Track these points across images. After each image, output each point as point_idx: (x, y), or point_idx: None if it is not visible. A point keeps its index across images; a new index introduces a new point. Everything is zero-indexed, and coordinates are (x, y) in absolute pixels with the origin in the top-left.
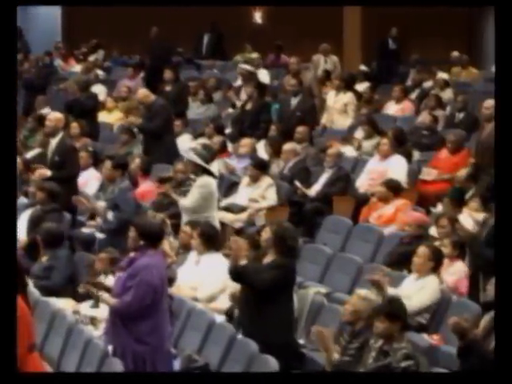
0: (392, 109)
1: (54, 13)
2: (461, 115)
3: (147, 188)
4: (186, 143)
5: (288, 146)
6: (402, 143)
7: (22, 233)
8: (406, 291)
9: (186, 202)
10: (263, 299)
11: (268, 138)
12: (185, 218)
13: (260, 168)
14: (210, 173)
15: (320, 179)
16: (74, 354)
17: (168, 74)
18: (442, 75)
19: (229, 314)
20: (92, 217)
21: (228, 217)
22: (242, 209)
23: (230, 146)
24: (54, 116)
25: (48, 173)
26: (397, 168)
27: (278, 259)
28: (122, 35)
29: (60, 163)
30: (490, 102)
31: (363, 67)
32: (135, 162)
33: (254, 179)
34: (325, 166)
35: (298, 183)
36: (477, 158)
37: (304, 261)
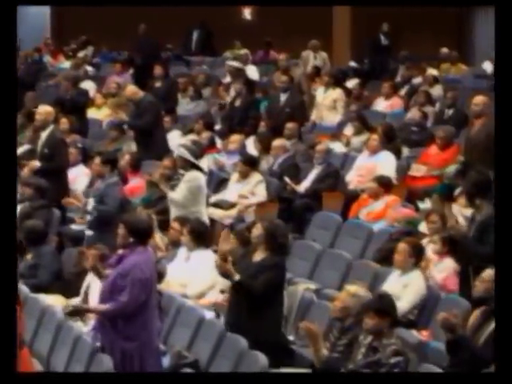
0: (381, 105)
1: (43, 9)
2: (450, 111)
3: (136, 184)
4: (175, 139)
5: (277, 143)
6: (391, 139)
7: None
8: (390, 288)
9: (175, 195)
10: (255, 300)
11: (257, 134)
12: (173, 214)
13: (249, 164)
14: (199, 168)
15: (309, 175)
16: (64, 350)
17: (158, 70)
18: (432, 71)
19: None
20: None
21: (217, 213)
22: (232, 205)
23: (219, 143)
24: (44, 109)
25: (37, 164)
26: (385, 164)
27: (268, 258)
28: (111, 31)
29: (49, 156)
30: (479, 99)
31: (353, 63)
32: (124, 159)
33: (244, 175)
34: (314, 162)
35: (287, 179)
36: (466, 155)
37: (293, 257)
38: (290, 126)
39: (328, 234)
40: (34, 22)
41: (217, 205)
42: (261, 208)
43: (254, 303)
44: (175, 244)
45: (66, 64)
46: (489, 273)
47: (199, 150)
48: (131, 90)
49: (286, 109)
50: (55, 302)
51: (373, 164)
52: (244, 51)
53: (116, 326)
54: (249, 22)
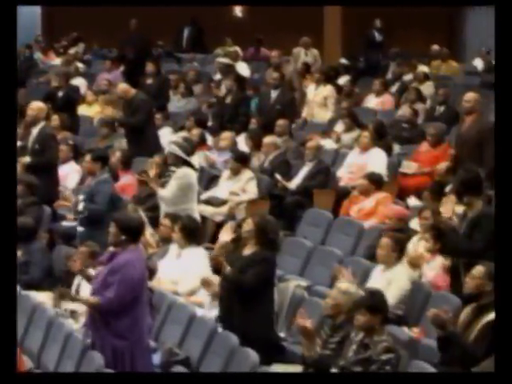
0: (372, 102)
1: (34, 6)
2: (441, 108)
3: (127, 181)
4: (166, 136)
5: (268, 140)
6: (382, 136)
7: None
8: (374, 285)
9: (164, 192)
10: (246, 294)
11: (248, 131)
12: (163, 211)
13: (240, 161)
14: (190, 165)
15: (300, 172)
16: (55, 347)
17: (150, 67)
18: (422, 68)
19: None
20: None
21: (208, 210)
22: (223, 202)
23: (210, 140)
24: (35, 105)
25: (27, 159)
26: (376, 161)
27: (258, 252)
28: (102, 28)
29: (40, 152)
30: (470, 96)
31: (343, 60)
32: (115, 156)
33: (235, 172)
34: (305, 159)
35: (278, 176)
36: (456, 151)
37: (284, 254)
38: (280, 123)
39: (319, 231)
40: (25, 19)
41: (208, 202)
42: (252, 205)
43: (244, 297)
44: (166, 241)
45: (57, 61)
46: (479, 269)
47: (190, 147)
48: (123, 88)
49: (276, 106)
50: (46, 299)
51: (364, 161)
52: (235, 48)
53: (107, 324)
54: (240, 19)
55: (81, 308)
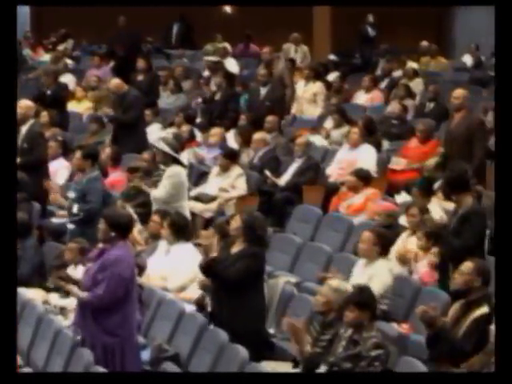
0: (361, 98)
1: None
2: (431, 105)
3: (117, 178)
4: (155, 133)
5: (258, 136)
6: (371, 132)
7: None
8: (356, 280)
9: (157, 193)
10: (235, 289)
11: (238, 127)
12: (155, 207)
13: (230, 157)
14: (179, 162)
15: (290, 169)
16: (44, 344)
17: (141, 64)
18: (412, 65)
19: (198, 304)
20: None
21: (198, 206)
22: (212, 198)
23: (199, 136)
24: (24, 104)
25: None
26: (366, 157)
27: (247, 248)
28: (91, 24)
29: (29, 150)
30: (458, 92)
31: (332, 57)
32: (105, 152)
33: (224, 169)
34: (294, 155)
35: (267, 172)
36: (446, 148)
37: (274, 250)
38: (270, 119)
39: (308, 227)
40: None
41: (197, 198)
42: (241, 201)
43: (232, 292)
44: (155, 237)
45: (46, 57)
46: (468, 265)
47: (179, 144)
48: (116, 83)
49: (266, 102)
50: (35, 295)
51: (353, 157)
52: (224, 44)
53: (97, 321)
54: (229, 15)
55: (70, 305)
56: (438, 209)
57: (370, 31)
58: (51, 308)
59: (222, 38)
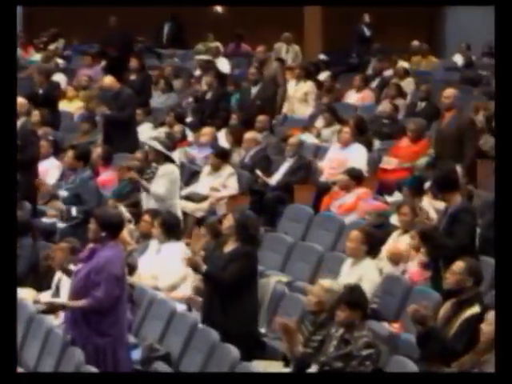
0: (352, 98)
1: None
2: (423, 104)
3: (108, 177)
4: (146, 132)
5: (249, 135)
6: (363, 131)
7: None
8: (344, 280)
9: (157, 189)
10: (228, 290)
11: (229, 126)
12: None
13: (221, 157)
14: (172, 160)
15: (281, 168)
16: (35, 343)
17: (133, 63)
18: (403, 64)
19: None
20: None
21: (189, 206)
22: (203, 198)
23: (190, 135)
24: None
25: None
26: (357, 157)
27: (239, 247)
28: (82, 24)
29: (21, 148)
30: (449, 91)
31: (322, 56)
32: (96, 151)
33: (215, 168)
34: (286, 154)
35: (258, 172)
36: (436, 147)
37: (265, 249)
38: (261, 118)
39: (300, 226)
40: None
41: (188, 198)
42: (232, 201)
43: (225, 294)
44: (146, 236)
45: (37, 57)
46: (459, 265)
47: (172, 143)
48: (110, 80)
49: (257, 101)
50: (27, 295)
51: (344, 157)
52: (216, 44)
53: (89, 322)
54: (220, 15)
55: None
56: (430, 208)
57: (366, 31)
58: (42, 307)
59: (213, 38)
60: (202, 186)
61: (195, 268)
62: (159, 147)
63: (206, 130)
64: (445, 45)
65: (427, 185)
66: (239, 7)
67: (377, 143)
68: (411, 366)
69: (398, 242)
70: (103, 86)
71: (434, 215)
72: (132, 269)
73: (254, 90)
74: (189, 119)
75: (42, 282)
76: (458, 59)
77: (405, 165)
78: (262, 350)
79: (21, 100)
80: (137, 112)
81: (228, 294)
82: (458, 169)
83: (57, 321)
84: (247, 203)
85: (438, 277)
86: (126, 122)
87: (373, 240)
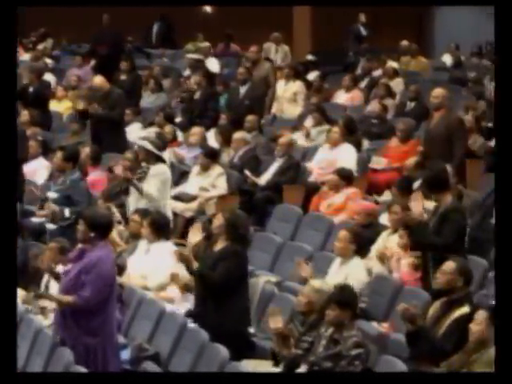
0: (341, 98)
1: None
2: (412, 104)
3: (97, 177)
4: (136, 132)
5: (238, 135)
6: (352, 132)
7: None
8: (332, 279)
9: (149, 189)
10: (218, 289)
11: (218, 126)
12: (133, 207)
13: (210, 157)
14: (162, 160)
15: (270, 168)
16: (24, 343)
17: (124, 64)
18: (392, 64)
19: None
20: (42, 206)
21: (178, 206)
22: (193, 198)
23: (179, 135)
24: None
25: None
26: (346, 157)
27: (229, 246)
28: (71, 24)
29: None
30: (437, 91)
31: (310, 56)
32: (84, 152)
33: (205, 168)
34: (275, 154)
35: (247, 172)
36: (425, 147)
37: (254, 249)
38: (250, 118)
39: (289, 226)
40: None
41: (178, 197)
42: (222, 201)
43: (216, 293)
44: (135, 236)
45: (26, 56)
46: (450, 265)
47: (162, 143)
48: (100, 80)
49: (245, 101)
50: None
51: (334, 157)
52: (206, 44)
53: (79, 322)
54: (209, 14)
55: (50, 304)
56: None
57: (362, 30)
58: (31, 307)
59: (203, 38)
60: (191, 186)
61: (186, 263)
62: (150, 147)
63: (195, 130)
64: (434, 45)
65: (416, 184)
66: (228, 7)
67: (366, 143)
68: (400, 366)
69: (388, 241)
70: (93, 86)
71: (423, 215)
72: (121, 269)
73: (243, 90)
74: (178, 119)
75: (30, 282)
76: (447, 59)
77: (394, 165)
78: (252, 349)
79: None
80: (126, 112)
81: (218, 292)
82: (448, 168)
83: (46, 321)
84: (236, 203)
85: (427, 277)
86: (116, 121)
87: (361, 240)
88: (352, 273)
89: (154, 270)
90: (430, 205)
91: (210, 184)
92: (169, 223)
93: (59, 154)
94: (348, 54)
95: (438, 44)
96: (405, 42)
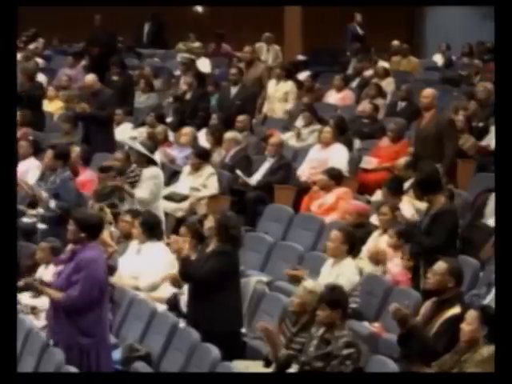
0: (333, 98)
1: None
2: (403, 104)
3: (87, 177)
4: (127, 132)
5: (229, 135)
6: (343, 131)
7: None
8: (324, 279)
9: (141, 193)
10: (207, 289)
11: (209, 126)
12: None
13: (201, 157)
14: (155, 163)
15: (261, 168)
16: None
17: (116, 64)
18: (383, 64)
19: (170, 304)
20: (31, 205)
21: (169, 206)
22: (184, 197)
23: (170, 135)
24: None
25: None
26: (338, 157)
27: (219, 246)
28: (62, 24)
29: None
30: (427, 91)
31: (301, 56)
32: (74, 151)
33: (196, 168)
34: (266, 154)
35: (239, 172)
36: (415, 147)
37: (245, 249)
38: (241, 118)
39: (280, 226)
40: None
41: (169, 197)
42: (213, 201)
43: (204, 292)
44: (127, 236)
45: (17, 56)
46: (441, 265)
47: (154, 144)
48: (92, 79)
49: (236, 101)
50: None
51: (325, 157)
52: (198, 44)
53: (73, 322)
54: (200, 14)
55: (41, 304)
56: (410, 208)
57: (359, 30)
58: (22, 308)
59: (195, 38)
60: (182, 185)
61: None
62: (142, 150)
63: (186, 130)
64: (425, 45)
65: (407, 185)
66: (219, 7)
67: (357, 143)
68: (392, 366)
69: (379, 241)
70: (84, 85)
71: (414, 215)
72: (112, 270)
73: (234, 90)
74: (169, 119)
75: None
76: (438, 59)
77: (385, 165)
78: (243, 349)
79: None
80: (117, 112)
81: (208, 292)
82: (439, 169)
83: (37, 321)
84: (227, 203)
85: (417, 277)
86: (106, 121)
87: (353, 240)
88: (341, 272)
89: (145, 270)
90: (422, 205)
91: (201, 184)
92: (160, 223)
93: (49, 153)
94: (345, 53)
95: (429, 44)
96: (396, 42)
